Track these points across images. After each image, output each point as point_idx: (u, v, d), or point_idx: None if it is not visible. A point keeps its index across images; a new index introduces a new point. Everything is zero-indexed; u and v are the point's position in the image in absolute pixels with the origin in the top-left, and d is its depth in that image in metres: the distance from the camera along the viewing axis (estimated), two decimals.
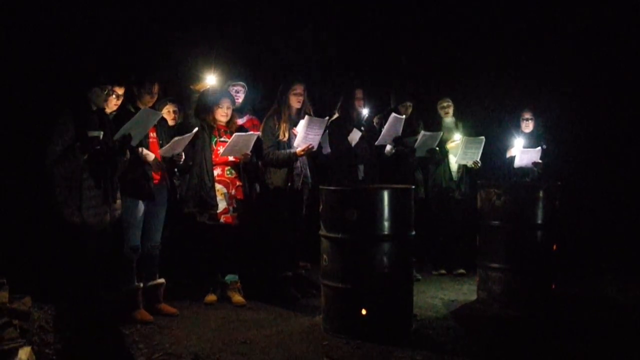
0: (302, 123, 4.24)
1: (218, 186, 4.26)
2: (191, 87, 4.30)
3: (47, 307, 3.90)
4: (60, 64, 4.55)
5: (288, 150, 4.33)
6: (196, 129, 4.03)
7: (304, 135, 4.25)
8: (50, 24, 4.80)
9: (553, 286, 4.31)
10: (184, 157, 3.98)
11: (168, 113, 4.30)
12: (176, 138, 3.89)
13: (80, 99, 3.25)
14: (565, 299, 4.37)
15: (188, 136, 3.91)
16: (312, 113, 4.46)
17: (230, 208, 4.29)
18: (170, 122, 4.24)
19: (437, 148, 5.10)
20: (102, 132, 3.17)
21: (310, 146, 4.27)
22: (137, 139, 3.44)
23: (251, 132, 4.32)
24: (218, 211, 4.22)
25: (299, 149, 4.28)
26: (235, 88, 4.69)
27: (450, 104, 5.27)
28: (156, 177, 3.88)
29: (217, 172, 4.29)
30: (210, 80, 4.26)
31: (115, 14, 5.19)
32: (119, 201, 3.40)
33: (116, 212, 3.42)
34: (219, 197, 4.24)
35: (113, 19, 5.17)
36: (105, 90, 3.31)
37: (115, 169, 3.33)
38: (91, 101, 3.27)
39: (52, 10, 4.82)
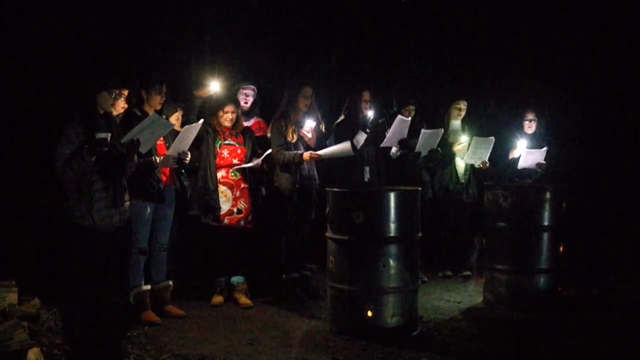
0: (339, 145, 4.35)
1: (222, 188, 4.29)
2: (194, 93, 4.32)
3: (55, 309, 3.92)
4: (68, 68, 4.59)
5: (294, 152, 4.35)
6: (202, 120, 4.05)
7: (329, 153, 4.34)
8: (59, 27, 4.84)
9: (560, 288, 4.30)
10: (189, 156, 4.00)
11: (177, 120, 4.33)
12: (187, 126, 3.90)
13: (88, 102, 3.27)
14: (572, 301, 4.35)
15: (196, 125, 3.91)
16: (319, 116, 4.48)
17: (235, 210, 4.31)
18: (178, 128, 4.26)
19: (439, 149, 5.09)
20: (109, 134, 3.19)
21: (318, 156, 4.34)
22: (146, 146, 3.44)
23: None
24: (222, 213, 4.25)
25: (305, 154, 4.30)
26: (245, 92, 4.72)
27: (466, 106, 5.26)
28: (164, 178, 3.91)
29: (221, 173, 4.31)
30: (214, 87, 4.28)
31: (124, 18, 5.22)
32: (127, 203, 3.41)
33: (125, 214, 3.43)
34: (224, 199, 4.27)
35: (121, 23, 5.20)
36: (113, 94, 3.33)
37: (123, 171, 3.34)
38: (99, 104, 3.29)
39: (62, 13, 4.86)
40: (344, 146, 4.32)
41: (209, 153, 4.24)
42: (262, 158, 4.32)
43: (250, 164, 4.33)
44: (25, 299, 3.53)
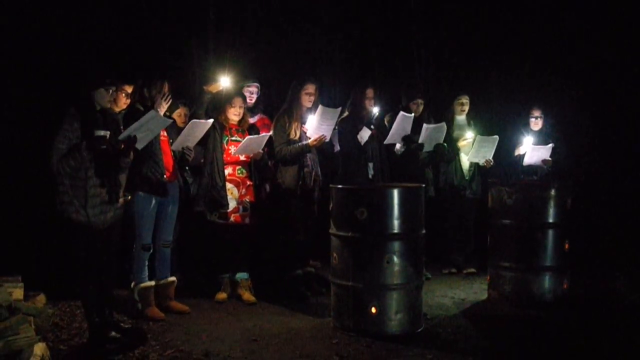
0: (316, 113, 4.26)
1: (228, 185, 4.30)
2: (204, 88, 4.34)
3: (61, 304, 3.97)
4: (68, 66, 4.61)
5: (300, 143, 4.35)
6: (211, 120, 4.07)
7: (317, 125, 4.26)
8: (61, 24, 4.86)
9: (565, 285, 4.28)
10: (193, 153, 4.01)
11: (179, 116, 4.35)
12: (194, 120, 3.93)
13: (85, 99, 3.28)
14: (578, 298, 4.33)
15: (205, 123, 3.96)
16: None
17: (240, 207, 4.32)
18: (180, 124, 4.29)
19: (445, 144, 5.08)
20: (109, 132, 3.20)
21: (322, 136, 4.28)
22: (143, 142, 3.45)
23: (263, 134, 4.35)
24: (228, 210, 4.25)
25: (311, 140, 4.30)
26: (250, 89, 4.73)
27: (468, 101, 5.25)
28: (168, 174, 3.92)
29: (228, 171, 4.32)
30: (225, 82, 4.30)
31: (126, 16, 5.23)
32: (121, 200, 3.42)
33: (118, 211, 3.43)
34: (230, 197, 4.28)
35: (123, 20, 5.21)
36: (109, 91, 3.33)
37: (119, 168, 3.35)
38: (96, 101, 3.30)
39: (65, 11, 4.88)
40: (328, 111, 4.23)
41: (216, 149, 4.24)
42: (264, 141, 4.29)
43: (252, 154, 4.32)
44: (31, 294, 3.56)
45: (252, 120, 4.65)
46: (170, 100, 3.84)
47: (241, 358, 3.21)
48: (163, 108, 3.79)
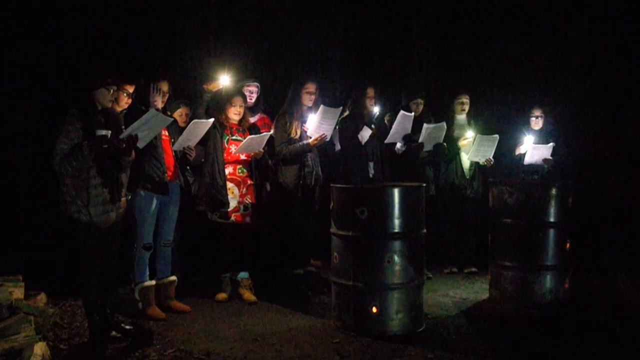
0: (317, 112, 4.26)
1: (229, 185, 4.29)
2: (204, 86, 4.33)
3: (61, 304, 3.96)
4: (68, 66, 4.61)
5: (301, 142, 4.35)
6: (212, 119, 4.07)
7: (317, 124, 4.26)
8: (61, 24, 4.86)
9: (566, 285, 4.28)
10: (194, 152, 4.02)
11: (180, 116, 4.34)
12: (195, 120, 3.93)
13: (86, 98, 3.28)
14: (579, 298, 4.32)
15: (206, 122, 3.96)
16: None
17: (241, 207, 4.32)
18: (181, 124, 4.28)
19: (445, 144, 5.08)
20: (110, 132, 3.20)
21: (323, 136, 4.28)
22: (144, 141, 3.45)
23: (264, 133, 4.35)
24: (229, 210, 4.25)
25: (312, 139, 4.30)
26: (250, 89, 4.73)
27: (468, 100, 5.26)
28: (169, 173, 3.91)
29: (228, 170, 4.32)
30: (224, 80, 4.30)
31: (128, 14, 5.24)
32: (123, 199, 3.42)
33: (121, 210, 3.43)
34: (231, 196, 4.28)
35: (124, 18, 5.21)
36: (111, 91, 3.33)
37: (121, 167, 3.35)
38: (97, 101, 3.30)
39: (65, 11, 4.88)
40: (329, 110, 4.23)
41: (217, 148, 4.24)
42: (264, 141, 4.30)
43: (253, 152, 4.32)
44: (31, 294, 3.56)
45: (252, 120, 4.65)
46: (163, 94, 3.83)
47: (241, 358, 3.21)
48: (158, 101, 3.79)
